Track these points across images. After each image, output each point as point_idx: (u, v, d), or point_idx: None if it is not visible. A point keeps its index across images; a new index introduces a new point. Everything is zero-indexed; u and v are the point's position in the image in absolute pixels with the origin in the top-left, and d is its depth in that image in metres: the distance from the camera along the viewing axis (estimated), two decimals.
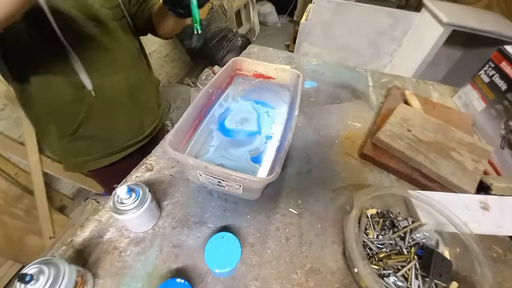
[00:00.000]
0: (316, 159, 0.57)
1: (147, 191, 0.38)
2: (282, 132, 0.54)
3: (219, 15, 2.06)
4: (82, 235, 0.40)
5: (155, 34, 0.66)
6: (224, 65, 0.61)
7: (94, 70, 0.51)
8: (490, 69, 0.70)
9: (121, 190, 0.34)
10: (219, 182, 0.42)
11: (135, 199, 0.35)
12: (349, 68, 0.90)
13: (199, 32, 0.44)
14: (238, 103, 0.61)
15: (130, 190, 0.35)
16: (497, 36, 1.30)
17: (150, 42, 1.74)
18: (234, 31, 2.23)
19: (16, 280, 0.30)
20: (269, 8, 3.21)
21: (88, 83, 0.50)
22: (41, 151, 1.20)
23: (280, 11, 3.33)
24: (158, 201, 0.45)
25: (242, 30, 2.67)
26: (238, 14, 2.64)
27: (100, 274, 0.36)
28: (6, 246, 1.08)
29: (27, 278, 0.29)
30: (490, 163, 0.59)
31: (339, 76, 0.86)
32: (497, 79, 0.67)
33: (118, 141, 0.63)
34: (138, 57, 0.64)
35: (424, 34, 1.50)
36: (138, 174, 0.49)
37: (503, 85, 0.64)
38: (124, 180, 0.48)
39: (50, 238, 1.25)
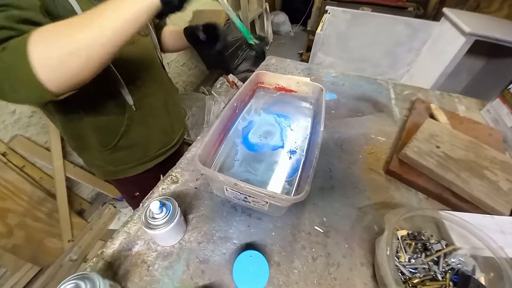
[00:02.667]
0: (339, 174, 0.56)
1: (177, 205, 0.38)
2: (306, 147, 0.54)
3: (235, 26, 2.11)
4: (112, 247, 0.40)
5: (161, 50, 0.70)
6: (238, 74, 0.62)
7: (134, 87, 0.53)
8: None
9: (154, 205, 0.35)
10: (245, 198, 0.42)
11: (166, 214, 0.36)
12: (369, 80, 0.89)
13: (256, 42, 0.50)
14: (260, 116, 0.61)
15: (162, 205, 0.36)
16: None
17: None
18: None
19: None
20: (283, 17, 3.26)
21: (129, 99, 0.53)
22: (65, 156, 1.25)
23: (293, 20, 3.37)
24: (184, 214, 0.45)
25: None
26: (252, 24, 2.70)
27: None
28: (26, 247, 1.12)
29: None
30: None
31: (360, 88, 0.85)
32: None
33: (153, 148, 0.65)
34: (163, 68, 0.67)
35: (444, 44, 1.46)
36: (164, 186, 0.50)
37: None
38: (150, 192, 0.49)
39: (68, 241, 1.28)
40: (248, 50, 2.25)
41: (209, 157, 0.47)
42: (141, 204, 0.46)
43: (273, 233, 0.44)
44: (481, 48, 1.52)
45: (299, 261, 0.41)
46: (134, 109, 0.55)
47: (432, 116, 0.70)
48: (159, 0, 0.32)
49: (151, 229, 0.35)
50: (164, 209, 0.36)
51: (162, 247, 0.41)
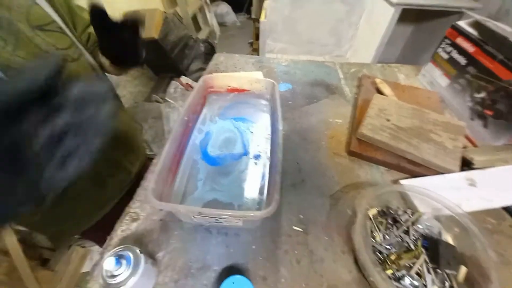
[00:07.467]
0: (307, 166, 0.56)
1: (139, 251, 0.34)
2: (270, 147, 0.52)
3: (175, 24, 1.97)
4: None
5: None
6: (191, 74, 0.57)
7: None
8: (447, 45, 0.74)
9: (108, 264, 0.30)
10: (216, 220, 0.39)
11: (127, 267, 0.31)
12: (318, 63, 0.91)
13: None
14: (217, 124, 0.58)
15: (119, 258, 0.31)
16: (443, 8, 1.39)
17: None
18: (194, 37, 2.16)
19: None
20: (225, 8, 3.15)
21: None
22: None
23: (236, 9, 3.28)
24: (152, 254, 0.41)
25: (202, 34, 2.59)
26: (194, 19, 2.56)
27: None
28: None
29: None
30: (465, 136, 0.63)
31: (311, 73, 0.85)
32: (455, 55, 0.71)
33: (106, 192, 0.57)
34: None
35: (377, 16, 1.56)
36: (123, 228, 0.44)
37: (462, 60, 0.68)
38: (108, 238, 0.43)
39: None
40: (196, 47, 2.13)
41: (167, 185, 0.42)
42: (97, 259, 0.40)
43: (254, 246, 0.43)
44: (410, 15, 1.66)
45: (284, 268, 0.40)
46: None
47: (378, 90, 0.74)
48: None
49: None
50: (123, 262, 0.31)
51: None
